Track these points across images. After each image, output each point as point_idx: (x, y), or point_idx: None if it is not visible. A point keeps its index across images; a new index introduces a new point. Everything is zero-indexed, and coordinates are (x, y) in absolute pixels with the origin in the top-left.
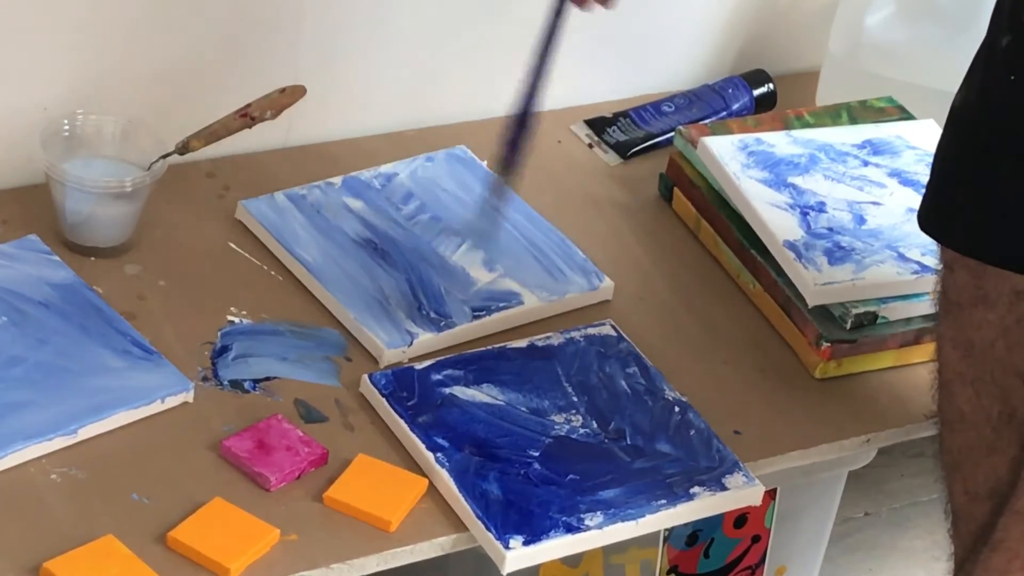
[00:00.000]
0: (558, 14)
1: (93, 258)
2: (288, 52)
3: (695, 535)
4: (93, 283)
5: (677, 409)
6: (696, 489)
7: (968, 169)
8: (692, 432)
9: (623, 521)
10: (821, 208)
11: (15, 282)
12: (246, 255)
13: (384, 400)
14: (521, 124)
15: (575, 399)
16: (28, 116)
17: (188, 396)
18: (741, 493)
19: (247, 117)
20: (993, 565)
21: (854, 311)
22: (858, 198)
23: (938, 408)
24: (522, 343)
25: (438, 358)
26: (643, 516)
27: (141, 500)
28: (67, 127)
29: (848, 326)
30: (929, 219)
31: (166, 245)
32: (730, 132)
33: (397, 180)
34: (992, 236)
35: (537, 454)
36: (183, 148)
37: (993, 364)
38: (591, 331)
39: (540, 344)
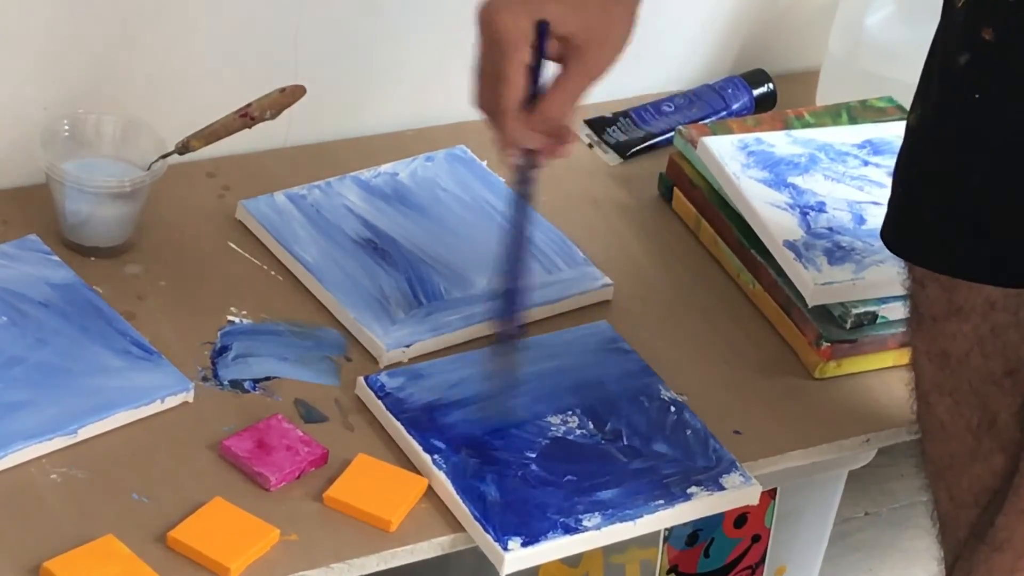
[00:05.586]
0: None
1: (93, 258)
2: (288, 52)
3: (695, 535)
4: (93, 283)
5: (673, 409)
6: (693, 489)
7: (936, 188)
8: (688, 432)
9: (621, 522)
10: (821, 208)
11: (15, 282)
12: (246, 255)
13: (380, 402)
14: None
15: (572, 400)
16: (28, 116)
17: (188, 396)
18: (738, 493)
19: (247, 117)
20: (997, 566)
21: (854, 311)
22: (858, 198)
23: (917, 418)
24: (521, 343)
25: (437, 359)
26: (641, 516)
27: (141, 500)
28: (67, 127)
29: (848, 326)
30: (898, 240)
31: (166, 245)
32: (730, 132)
33: (397, 180)
34: (966, 252)
35: (534, 455)
36: (183, 148)
37: (970, 374)
38: (589, 331)
39: (538, 344)
